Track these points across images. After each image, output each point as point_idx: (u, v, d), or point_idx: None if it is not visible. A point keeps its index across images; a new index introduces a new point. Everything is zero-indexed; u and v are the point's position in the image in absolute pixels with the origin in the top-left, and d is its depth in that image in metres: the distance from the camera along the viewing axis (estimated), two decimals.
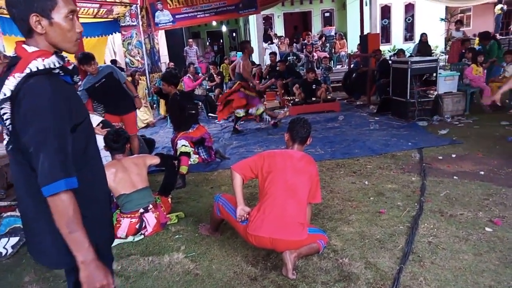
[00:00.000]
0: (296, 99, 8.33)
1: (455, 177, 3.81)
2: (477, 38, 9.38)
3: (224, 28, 20.62)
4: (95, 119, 4.11)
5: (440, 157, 4.45)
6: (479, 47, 8.22)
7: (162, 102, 8.29)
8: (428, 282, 2.22)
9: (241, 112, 6.56)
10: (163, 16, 9.39)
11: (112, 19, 9.72)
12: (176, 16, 9.31)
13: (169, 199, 3.57)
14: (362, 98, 8.91)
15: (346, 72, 9.94)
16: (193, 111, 4.61)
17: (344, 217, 3.14)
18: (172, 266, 2.62)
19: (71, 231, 1.20)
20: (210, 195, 3.90)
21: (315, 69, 9.64)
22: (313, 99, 8.11)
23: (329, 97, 8.35)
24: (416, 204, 3.25)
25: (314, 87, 8.17)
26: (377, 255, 2.54)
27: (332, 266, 2.46)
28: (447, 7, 14.44)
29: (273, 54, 10.06)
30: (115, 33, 10.25)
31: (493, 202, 3.19)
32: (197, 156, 4.88)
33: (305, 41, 13.20)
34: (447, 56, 11.00)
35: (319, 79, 8.80)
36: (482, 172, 3.88)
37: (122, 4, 9.23)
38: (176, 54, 13.01)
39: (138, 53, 10.87)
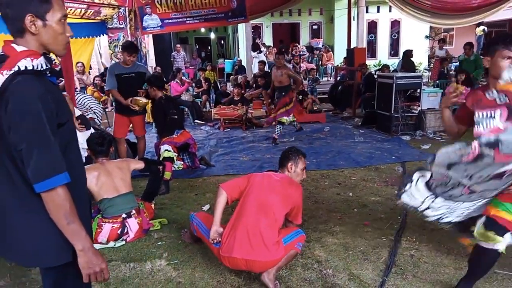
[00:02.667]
0: None
1: None
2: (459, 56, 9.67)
3: (212, 35, 20.69)
4: (76, 112, 4.05)
5: None
6: (462, 58, 8.47)
7: (148, 106, 8.21)
8: None
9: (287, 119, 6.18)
10: (152, 20, 9.34)
11: (99, 21, 9.61)
12: (165, 21, 9.26)
13: (153, 205, 3.52)
14: (347, 111, 9.04)
15: (333, 84, 10.08)
16: (175, 116, 4.59)
17: (328, 228, 3.15)
18: (154, 273, 2.57)
19: (69, 222, 1.27)
20: (194, 202, 3.86)
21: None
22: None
23: (316, 108, 8.44)
24: (399, 217, 3.29)
25: (300, 98, 8.25)
26: (361, 266, 2.55)
27: (316, 277, 2.46)
28: (431, 26, 14.87)
29: (262, 62, 10.13)
30: (102, 35, 10.13)
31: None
32: (182, 162, 4.84)
33: (293, 52, 13.35)
34: (430, 73, 11.30)
35: (306, 90, 8.91)
36: None
37: (110, 6, 9.14)
38: (164, 59, 12.95)
39: None
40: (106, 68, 10.93)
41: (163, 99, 4.56)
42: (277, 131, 6.21)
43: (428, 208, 2.26)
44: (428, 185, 2.20)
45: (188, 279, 2.50)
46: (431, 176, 2.17)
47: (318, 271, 2.53)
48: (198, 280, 2.49)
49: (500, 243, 1.96)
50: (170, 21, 9.28)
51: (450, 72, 9.29)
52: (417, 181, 2.26)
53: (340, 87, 9.33)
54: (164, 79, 5.58)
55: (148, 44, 12.17)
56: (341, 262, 2.62)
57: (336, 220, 3.31)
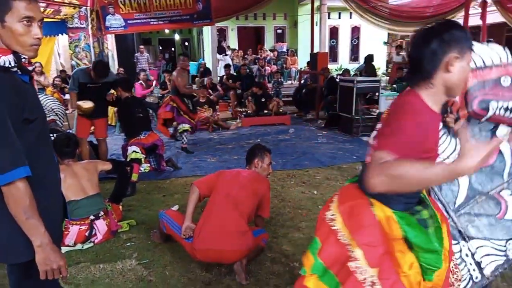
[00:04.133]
0: (248, 111, 8.51)
1: None
2: None
3: (177, 37, 20.50)
4: None
5: None
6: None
7: (110, 109, 8.04)
8: None
9: (186, 126, 5.93)
10: (115, 21, 9.18)
11: (59, 20, 9.31)
12: (128, 21, 9.14)
13: (120, 207, 3.50)
14: (311, 113, 9.32)
15: (297, 87, 10.35)
16: (141, 115, 4.60)
17: (294, 224, 3.29)
18: (125, 273, 2.58)
19: (28, 217, 1.27)
20: (162, 203, 3.88)
21: (264, 82, 9.97)
22: (265, 111, 8.36)
23: (281, 110, 8.64)
24: None
25: (263, 100, 8.43)
26: None
27: (284, 270, 2.58)
28: (389, 33, 15.62)
29: (227, 66, 10.23)
30: (62, 34, 9.82)
31: None
32: (148, 165, 4.83)
33: (258, 55, 13.55)
34: (388, 77, 11.88)
35: (270, 92, 9.10)
36: None
37: (71, 5, 8.88)
38: (126, 60, 12.68)
39: (86, 57, 10.44)
40: (62, 70, 10.58)
41: (129, 98, 4.56)
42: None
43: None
44: None
45: (159, 277, 2.54)
46: None
47: (285, 264, 2.65)
48: (169, 277, 2.53)
49: None
50: (133, 21, 9.16)
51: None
52: None
53: (304, 90, 9.60)
54: (131, 81, 5.54)
55: (110, 45, 11.90)
56: None
57: (302, 216, 3.45)
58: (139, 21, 9.22)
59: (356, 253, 1.33)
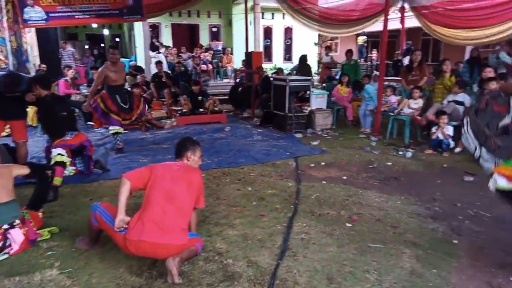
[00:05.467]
0: (183, 110, 8.36)
1: (323, 181, 4.35)
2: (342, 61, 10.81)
3: (106, 32, 19.47)
4: None
5: (312, 165, 5.01)
6: (344, 63, 9.51)
7: (31, 109, 7.40)
8: (300, 274, 2.50)
9: (116, 128, 5.62)
10: (34, 13, 8.44)
11: None
12: (50, 14, 8.44)
13: (40, 214, 3.23)
14: (247, 111, 9.41)
15: (232, 86, 10.39)
16: (65, 113, 4.30)
17: (229, 221, 3.30)
18: (45, 284, 2.39)
19: None
20: (88, 208, 3.58)
21: (200, 81, 9.86)
22: (201, 110, 8.27)
23: (216, 109, 8.60)
24: (291, 206, 3.61)
25: (200, 99, 8.34)
26: (258, 253, 2.75)
27: (217, 268, 2.57)
28: (319, 34, 16.30)
29: (159, 63, 9.94)
30: None
31: (352, 202, 3.75)
32: (74, 168, 4.51)
33: (194, 53, 13.35)
34: (318, 76, 12.39)
35: (206, 91, 9.03)
36: (345, 177, 4.51)
37: None
38: (49, 56, 11.73)
39: (1, 52, 9.50)
40: None
41: (48, 96, 4.24)
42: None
43: (480, 157, 2.96)
44: (472, 129, 3.01)
45: (84, 286, 2.39)
46: (470, 122, 3.03)
47: (219, 262, 2.65)
48: (96, 285, 2.40)
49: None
50: (56, 14, 8.50)
51: (336, 76, 10.32)
52: (467, 126, 3.07)
53: (239, 89, 9.67)
54: (50, 78, 5.13)
55: (31, 39, 10.94)
56: (241, 251, 2.79)
57: (236, 213, 3.48)
58: (62, 14, 8.56)
59: None
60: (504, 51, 7.46)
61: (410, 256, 2.72)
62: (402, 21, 9.17)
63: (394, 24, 9.23)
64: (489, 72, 5.91)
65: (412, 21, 9.13)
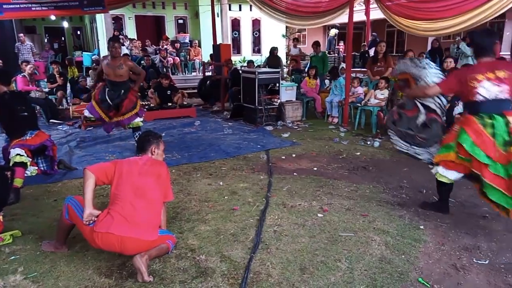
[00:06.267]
0: (151, 104, 8.16)
1: (295, 173, 4.38)
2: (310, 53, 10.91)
3: (66, 24, 18.64)
4: None
5: (283, 157, 5.04)
6: (312, 55, 9.58)
7: None
8: (274, 266, 2.51)
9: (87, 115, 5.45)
10: None
11: None
12: (4, 6, 7.93)
13: (0, 217, 3.06)
14: (217, 104, 9.32)
15: (201, 79, 10.24)
16: (26, 113, 4.08)
17: (201, 217, 3.26)
18: None
19: None
20: (53, 209, 3.51)
21: (168, 74, 9.65)
22: (169, 104, 8.11)
23: (185, 103, 8.46)
24: (264, 199, 3.62)
25: (169, 93, 8.17)
26: (231, 248, 2.74)
27: (190, 265, 2.54)
28: (287, 26, 16.34)
29: (126, 56, 9.60)
30: None
31: (323, 192, 3.80)
32: (36, 167, 4.30)
33: (159, 46, 13.02)
34: (287, 68, 12.45)
35: (175, 85, 8.84)
36: (315, 168, 4.57)
37: None
38: (5, 50, 11.10)
39: None
40: None
41: (7, 93, 4.00)
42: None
43: (416, 153, 3.50)
44: (399, 137, 3.59)
45: None
46: (394, 133, 3.63)
47: (191, 258, 2.61)
48: None
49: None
50: (10, 6, 8.00)
51: (303, 68, 10.39)
52: (393, 136, 3.65)
53: (208, 82, 9.54)
54: (11, 72, 4.84)
55: None
56: (213, 246, 2.76)
57: (208, 208, 3.44)
58: (17, 6, 8.06)
59: None
60: (465, 42, 7.77)
61: (380, 243, 2.80)
62: (367, 12, 9.33)
63: (359, 16, 9.38)
64: (450, 63, 6.14)
65: (377, 13, 9.31)
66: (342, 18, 9.81)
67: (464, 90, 2.89)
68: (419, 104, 3.39)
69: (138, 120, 5.35)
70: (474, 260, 2.60)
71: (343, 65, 10.08)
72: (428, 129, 3.33)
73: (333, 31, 17.65)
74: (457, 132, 2.89)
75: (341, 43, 18.85)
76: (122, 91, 5.17)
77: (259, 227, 3.02)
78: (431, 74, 3.29)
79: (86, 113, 5.42)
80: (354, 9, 7.14)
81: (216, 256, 2.64)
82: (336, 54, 16.23)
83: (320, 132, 6.51)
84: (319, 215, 3.27)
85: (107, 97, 5.16)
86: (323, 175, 4.33)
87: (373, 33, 14.43)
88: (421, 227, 3.06)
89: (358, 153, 5.20)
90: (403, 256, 2.64)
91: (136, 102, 5.31)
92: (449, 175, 2.98)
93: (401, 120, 3.53)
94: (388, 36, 17.38)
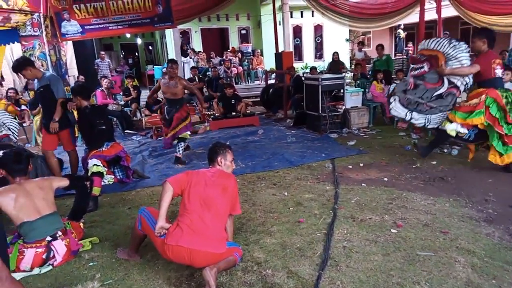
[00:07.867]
0: (216, 114, 8.37)
1: (363, 184, 4.15)
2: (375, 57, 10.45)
3: (139, 41, 20.01)
4: None
5: (350, 166, 4.82)
6: (376, 59, 9.15)
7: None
8: (344, 285, 2.36)
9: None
10: (71, 27, 8.79)
11: (10, 28, 8.78)
12: (86, 27, 8.75)
13: (81, 224, 3.30)
14: (280, 112, 9.29)
15: (264, 87, 10.30)
16: (104, 127, 4.37)
17: (266, 229, 3.21)
18: None
19: None
20: (127, 216, 3.69)
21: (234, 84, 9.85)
22: (233, 113, 8.25)
23: (248, 111, 8.55)
24: (331, 211, 3.46)
25: (233, 102, 8.32)
26: (298, 263, 2.64)
27: (256, 279, 2.49)
28: (350, 29, 15.89)
29: (194, 68, 10.07)
30: (13, 43, 9.27)
31: (396, 205, 3.54)
32: (112, 176, 4.59)
33: (224, 57, 13.41)
34: (352, 74, 12.05)
35: (238, 94, 9.00)
36: (386, 179, 4.29)
37: (22, 12, 8.40)
38: (87, 67, 12.21)
39: (42, 65, 9.93)
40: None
41: (88, 108, 4.33)
42: (179, 149, 5.46)
43: (412, 118, 4.48)
44: (402, 104, 4.49)
45: None
46: (400, 99, 4.50)
47: (258, 272, 2.56)
48: None
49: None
50: (91, 27, 8.79)
51: (370, 72, 9.97)
52: (394, 101, 4.56)
53: (271, 90, 9.57)
54: (91, 88, 5.29)
55: (68, 52, 11.41)
56: (280, 261, 2.68)
57: (273, 220, 3.37)
58: (97, 26, 8.84)
59: None
60: None
61: (465, 265, 2.51)
62: (438, 10, 8.69)
63: (430, 14, 8.78)
64: None
65: (449, 11, 8.65)
66: (410, 18, 9.28)
67: (488, 69, 4.00)
68: (445, 79, 4.20)
69: (187, 132, 5.58)
70: None
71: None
72: (440, 100, 4.23)
73: (402, 32, 16.82)
74: (484, 100, 3.96)
75: (410, 44, 17.84)
76: (178, 106, 5.51)
77: (327, 242, 2.88)
78: (467, 57, 4.12)
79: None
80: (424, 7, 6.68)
81: (282, 271, 2.55)
82: (405, 56, 15.39)
83: (390, 139, 6.15)
84: (393, 230, 3.04)
85: (165, 112, 5.59)
86: (395, 186, 4.05)
87: (446, 32, 13.44)
88: None
89: (434, 162, 4.80)
90: (493, 281, 2.33)
91: (187, 116, 5.58)
92: (461, 129, 4.14)
93: (415, 89, 4.36)
94: (462, 34, 16.08)
